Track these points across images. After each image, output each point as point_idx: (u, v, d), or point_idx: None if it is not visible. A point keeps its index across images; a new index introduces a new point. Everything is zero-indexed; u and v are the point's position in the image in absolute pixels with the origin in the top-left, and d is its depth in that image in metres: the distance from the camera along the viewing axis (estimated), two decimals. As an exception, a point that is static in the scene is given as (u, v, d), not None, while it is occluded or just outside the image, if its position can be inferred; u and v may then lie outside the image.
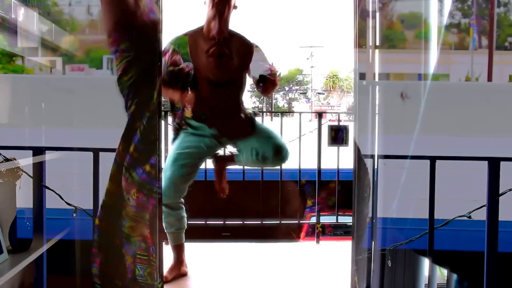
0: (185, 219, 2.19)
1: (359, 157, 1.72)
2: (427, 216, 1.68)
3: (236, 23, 2.12)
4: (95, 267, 1.67)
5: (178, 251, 2.20)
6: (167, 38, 2.04)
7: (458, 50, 1.76)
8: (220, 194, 2.29)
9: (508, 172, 1.64)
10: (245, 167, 3.04)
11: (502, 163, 1.64)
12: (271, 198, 3.24)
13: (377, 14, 1.70)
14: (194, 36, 2.08)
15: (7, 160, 1.63)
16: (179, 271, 2.18)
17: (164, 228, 2.13)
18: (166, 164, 2.14)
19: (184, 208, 2.19)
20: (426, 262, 1.76)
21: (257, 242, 2.82)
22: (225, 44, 2.05)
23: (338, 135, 2.74)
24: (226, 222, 3.06)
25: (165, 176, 2.07)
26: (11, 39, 1.81)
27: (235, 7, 2.05)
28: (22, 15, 1.78)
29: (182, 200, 2.18)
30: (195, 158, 2.13)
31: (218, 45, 2.02)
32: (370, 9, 1.71)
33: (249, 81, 2.22)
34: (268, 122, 2.80)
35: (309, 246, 2.85)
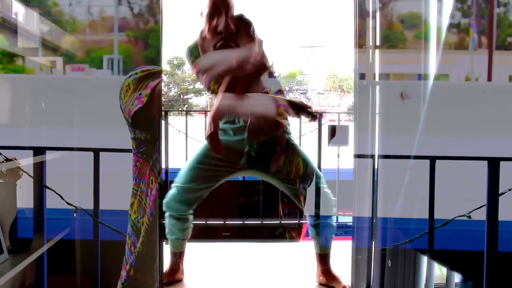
0: (190, 230, 2.12)
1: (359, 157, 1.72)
2: (427, 216, 1.68)
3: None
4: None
5: (176, 258, 2.15)
6: (167, 39, 2.03)
7: (458, 50, 1.76)
8: None
9: (508, 172, 1.64)
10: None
11: (501, 163, 1.64)
12: (271, 198, 3.24)
13: (377, 14, 1.70)
14: (203, 39, 2.06)
15: (7, 160, 1.63)
16: (173, 277, 2.14)
17: (166, 233, 2.09)
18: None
19: (191, 219, 2.12)
20: (426, 262, 1.76)
21: (257, 242, 2.82)
22: (232, 38, 2.02)
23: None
24: (226, 222, 3.06)
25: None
26: (11, 39, 1.81)
27: None
28: (22, 15, 1.78)
29: (191, 211, 2.11)
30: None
31: (224, 40, 2.00)
32: (370, 9, 1.71)
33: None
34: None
35: (309, 246, 2.85)
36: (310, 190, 2.06)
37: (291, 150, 2.04)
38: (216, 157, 1.92)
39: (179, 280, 2.17)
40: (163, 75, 1.75)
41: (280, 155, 2.03)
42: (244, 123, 1.99)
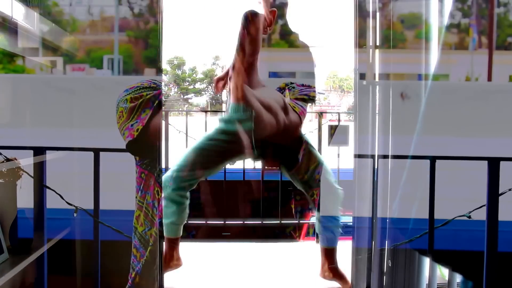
0: (186, 214, 2.03)
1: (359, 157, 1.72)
2: (427, 216, 1.68)
3: (237, 24, 2.11)
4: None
5: (171, 244, 2.04)
6: (167, 39, 2.03)
7: (458, 50, 1.76)
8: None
9: (508, 172, 1.64)
10: (245, 166, 3.04)
11: (502, 163, 1.64)
12: (271, 198, 3.23)
13: (377, 14, 1.70)
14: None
15: (8, 160, 1.63)
16: (168, 265, 2.05)
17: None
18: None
19: (187, 202, 2.02)
20: (426, 262, 1.76)
21: (257, 242, 2.82)
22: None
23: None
24: (226, 222, 3.06)
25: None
26: (11, 39, 1.81)
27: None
28: (22, 15, 1.78)
29: (188, 194, 2.02)
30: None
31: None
32: (370, 9, 1.71)
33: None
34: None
35: (309, 246, 2.85)
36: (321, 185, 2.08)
37: (307, 154, 2.03)
38: (231, 132, 1.92)
39: (178, 267, 2.09)
40: (163, 75, 1.74)
41: (296, 158, 2.03)
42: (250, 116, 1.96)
